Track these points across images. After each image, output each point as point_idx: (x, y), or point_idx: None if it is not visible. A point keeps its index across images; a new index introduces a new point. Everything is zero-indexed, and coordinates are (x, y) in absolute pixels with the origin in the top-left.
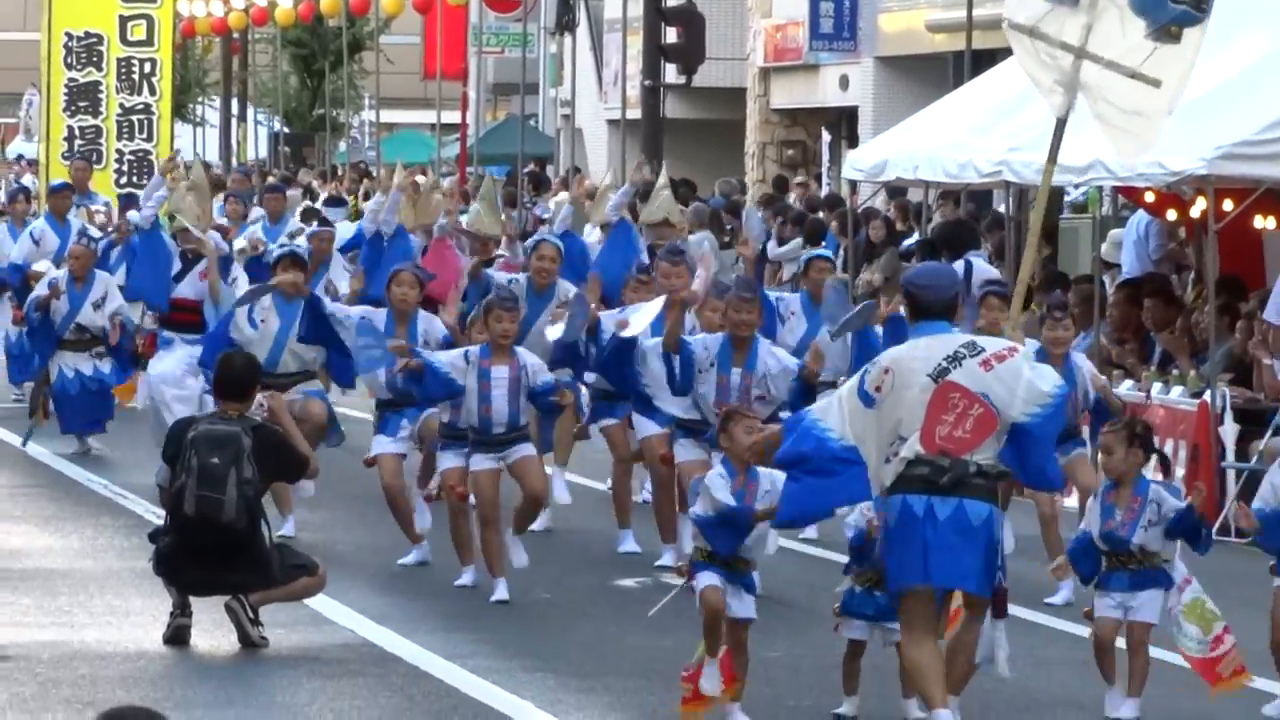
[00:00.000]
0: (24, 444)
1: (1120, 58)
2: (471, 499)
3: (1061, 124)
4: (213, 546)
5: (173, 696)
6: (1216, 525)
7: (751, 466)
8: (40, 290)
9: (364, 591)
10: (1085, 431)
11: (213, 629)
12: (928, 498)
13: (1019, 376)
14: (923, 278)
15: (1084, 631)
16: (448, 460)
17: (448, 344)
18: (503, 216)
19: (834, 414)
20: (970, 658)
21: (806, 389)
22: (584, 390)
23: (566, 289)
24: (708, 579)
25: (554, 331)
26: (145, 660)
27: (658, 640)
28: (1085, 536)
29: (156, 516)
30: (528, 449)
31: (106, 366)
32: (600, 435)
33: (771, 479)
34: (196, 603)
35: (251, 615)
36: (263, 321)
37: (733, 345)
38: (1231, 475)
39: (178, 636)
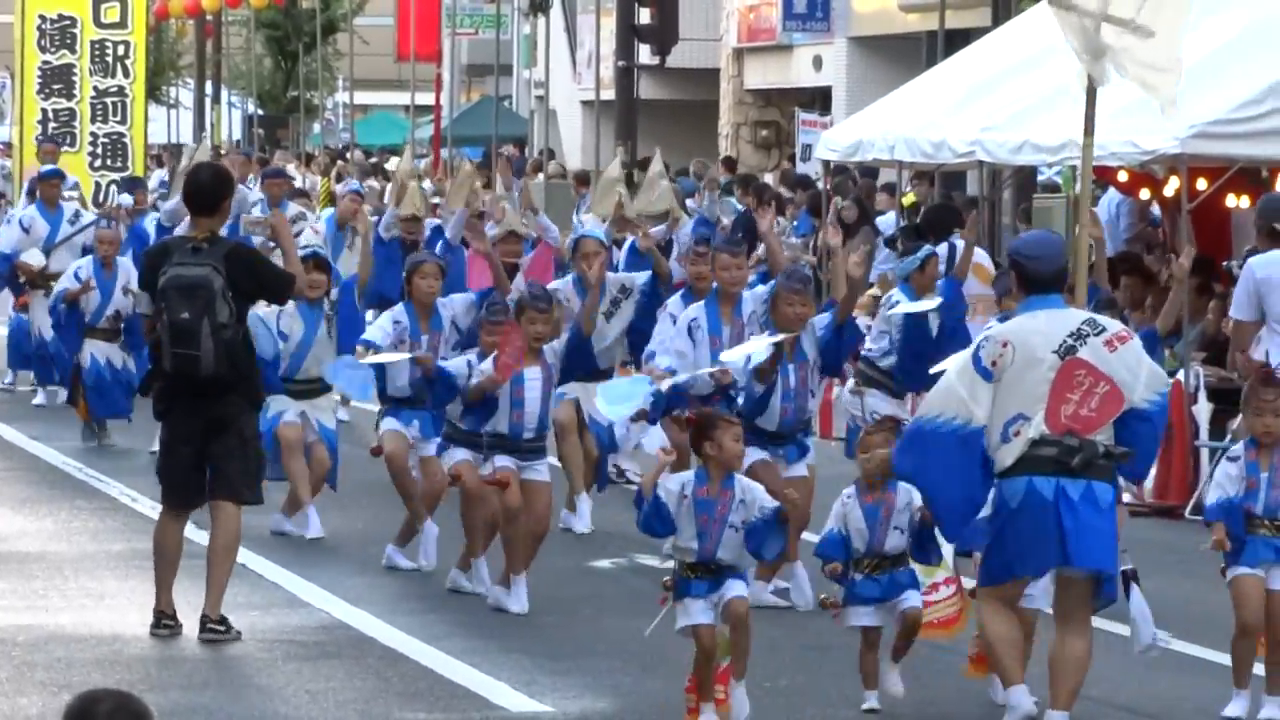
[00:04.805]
0: (98, 441)
1: (1119, 10)
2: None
3: (1092, 93)
4: (197, 393)
5: (148, 679)
6: (1190, 505)
7: (730, 475)
8: (67, 283)
9: (340, 574)
10: None
11: (191, 614)
12: (1057, 479)
13: (1141, 360)
14: (1031, 248)
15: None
16: (458, 455)
17: (480, 299)
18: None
19: (954, 400)
20: (1079, 670)
21: (838, 329)
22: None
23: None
24: (698, 614)
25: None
26: (120, 643)
27: (633, 621)
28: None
29: (131, 500)
30: (543, 472)
31: (134, 363)
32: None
33: (750, 491)
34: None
35: (225, 629)
36: (289, 330)
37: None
38: (1205, 454)
39: (162, 629)
